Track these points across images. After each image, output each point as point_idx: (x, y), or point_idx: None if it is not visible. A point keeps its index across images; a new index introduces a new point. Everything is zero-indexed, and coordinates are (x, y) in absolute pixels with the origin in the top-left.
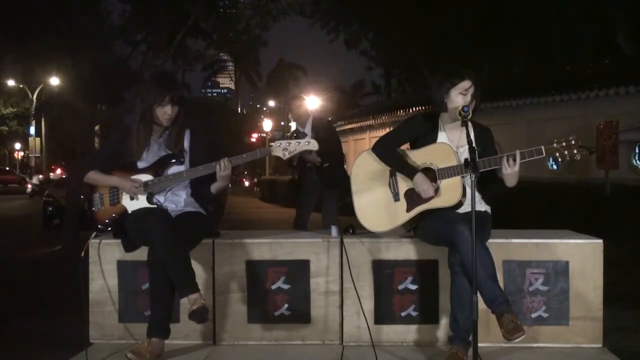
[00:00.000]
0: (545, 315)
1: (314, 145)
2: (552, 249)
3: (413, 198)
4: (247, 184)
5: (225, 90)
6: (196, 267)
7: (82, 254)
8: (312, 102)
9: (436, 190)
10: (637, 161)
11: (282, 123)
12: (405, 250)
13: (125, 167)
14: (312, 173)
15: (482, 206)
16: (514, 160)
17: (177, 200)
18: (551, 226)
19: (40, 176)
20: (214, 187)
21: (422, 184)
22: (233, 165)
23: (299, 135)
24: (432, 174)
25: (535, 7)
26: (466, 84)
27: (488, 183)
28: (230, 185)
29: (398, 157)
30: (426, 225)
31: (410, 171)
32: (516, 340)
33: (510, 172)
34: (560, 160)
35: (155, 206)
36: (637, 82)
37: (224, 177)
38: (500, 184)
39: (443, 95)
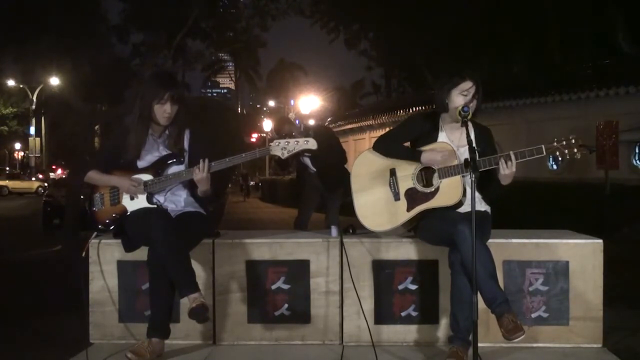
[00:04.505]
0: (545, 315)
1: (312, 144)
2: (552, 249)
3: (413, 197)
4: (252, 183)
5: (225, 90)
6: (196, 267)
7: (82, 254)
8: (312, 102)
9: (436, 190)
10: (637, 161)
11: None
12: (405, 250)
13: (125, 167)
14: (312, 177)
15: (482, 206)
16: (511, 160)
17: (177, 200)
18: (551, 226)
19: (40, 176)
20: (199, 192)
21: (434, 155)
22: (232, 165)
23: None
24: (432, 173)
25: (535, 7)
26: (467, 84)
27: (486, 184)
28: (230, 185)
29: (399, 147)
30: (426, 225)
31: (416, 154)
32: (516, 340)
33: (508, 172)
34: (560, 159)
35: (155, 206)
36: (637, 82)
37: (200, 180)
38: (497, 185)
39: (444, 95)
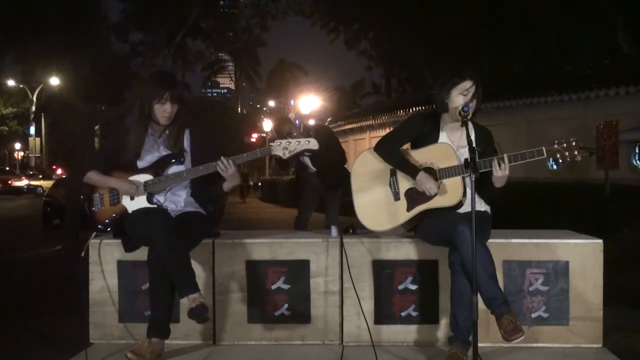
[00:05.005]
0: (545, 315)
1: (314, 144)
2: (552, 249)
3: (413, 197)
4: (250, 183)
5: (225, 90)
6: (196, 267)
7: (82, 254)
8: (312, 102)
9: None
10: (637, 161)
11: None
12: (405, 250)
13: (125, 167)
14: (312, 177)
15: (482, 206)
16: (504, 163)
17: (177, 200)
18: (551, 226)
19: (40, 176)
20: (227, 186)
21: (425, 182)
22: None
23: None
24: (432, 174)
25: (535, 8)
26: (467, 84)
27: (481, 186)
28: None
29: (400, 156)
30: (426, 225)
31: (412, 170)
32: (515, 341)
33: (500, 175)
34: (560, 161)
35: (155, 206)
36: (637, 82)
37: (231, 176)
38: (491, 187)
39: (444, 95)
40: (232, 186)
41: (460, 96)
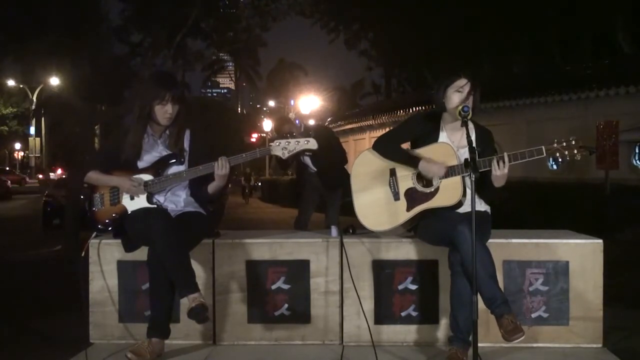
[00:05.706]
0: (545, 315)
1: (313, 144)
2: (552, 249)
3: (413, 197)
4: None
5: (225, 90)
6: (196, 267)
7: (82, 254)
8: (312, 102)
9: (436, 190)
10: (637, 161)
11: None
12: (405, 250)
13: (125, 167)
14: (312, 176)
15: (482, 206)
16: (504, 162)
17: (176, 200)
18: (551, 226)
19: (40, 176)
20: (212, 187)
21: (430, 166)
22: (232, 165)
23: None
24: None
25: (535, 7)
26: (462, 81)
27: (482, 186)
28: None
29: (400, 150)
30: (426, 225)
31: (413, 161)
32: (516, 341)
33: (500, 174)
34: (560, 160)
35: (155, 206)
36: (637, 82)
37: (222, 176)
38: (490, 187)
39: (441, 94)
40: (217, 187)
41: (456, 94)
